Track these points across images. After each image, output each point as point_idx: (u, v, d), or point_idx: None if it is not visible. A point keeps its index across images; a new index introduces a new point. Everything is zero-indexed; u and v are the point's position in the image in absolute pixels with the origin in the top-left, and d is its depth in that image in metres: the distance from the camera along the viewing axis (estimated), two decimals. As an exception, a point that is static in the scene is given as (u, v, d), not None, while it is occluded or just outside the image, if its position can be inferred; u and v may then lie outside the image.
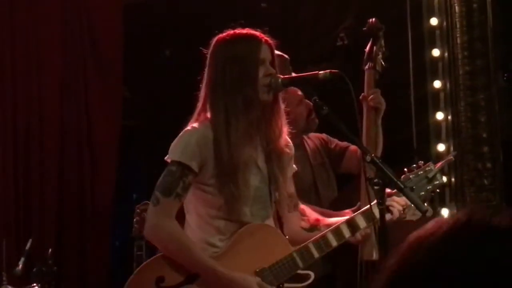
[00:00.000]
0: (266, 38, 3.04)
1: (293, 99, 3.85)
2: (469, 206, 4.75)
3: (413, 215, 3.13)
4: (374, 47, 3.84)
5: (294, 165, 3.21)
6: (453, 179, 4.97)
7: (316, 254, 3.05)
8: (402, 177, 3.13)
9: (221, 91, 2.99)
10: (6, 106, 5.21)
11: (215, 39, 3.08)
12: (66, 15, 5.48)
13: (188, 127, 3.02)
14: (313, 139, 4.18)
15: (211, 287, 2.97)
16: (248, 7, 5.42)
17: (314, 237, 3.07)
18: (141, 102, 5.88)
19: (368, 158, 2.74)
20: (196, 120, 3.04)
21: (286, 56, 3.75)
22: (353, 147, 3.97)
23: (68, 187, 5.40)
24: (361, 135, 3.54)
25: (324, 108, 2.89)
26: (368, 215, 3.04)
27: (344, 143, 4.08)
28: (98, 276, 5.43)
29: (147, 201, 3.32)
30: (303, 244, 3.05)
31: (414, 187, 3.07)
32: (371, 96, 3.70)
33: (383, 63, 3.86)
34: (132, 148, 5.86)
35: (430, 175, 3.17)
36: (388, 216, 2.90)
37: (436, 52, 5.09)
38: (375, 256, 3.62)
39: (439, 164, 3.27)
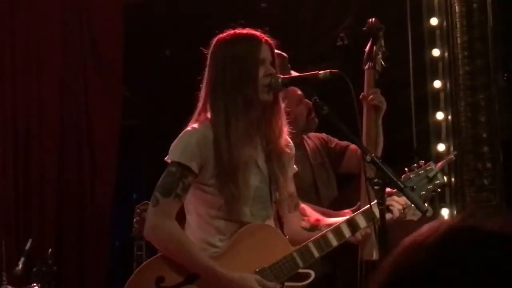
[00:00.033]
0: (266, 38, 3.04)
1: (293, 99, 3.85)
2: (469, 206, 4.76)
3: (413, 215, 3.13)
4: (374, 47, 3.84)
5: (294, 165, 3.21)
6: (453, 179, 4.97)
7: (316, 254, 3.04)
8: (403, 176, 3.13)
9: (221, 91, 2.99)
10: (6, 106, 5.20)
11: (215, 39, 3.08)
12: (66, 15, 5.47)
13: (188, 128, 3.02)
14: (313, 138, 4.18)
15: (210, 287, 2.97)
16: (248, 7, 5.42)
17: (314, 237, 3.07)
18: (141, 102, 5.87)
19: (368, 158, 2.74)
20: (196, 120, 3.04)
21: (284, 54, 3.75)
22: (353, 146, 3.97)
23: (68, 187, 5.40)
24: (361, 135, 3.54)
25: (324, 108, 2.89)
26: (368, 214, 3.03)
27: (344, 143, 4.08)
28: (98, 276, 5.42)
29: (147, 201, 3.32)
30: (303, 244, 3.04)
31: (414, 187, 3.07)
32: (372, 95, 3.70)
33: (383, 63, 3.86)
34: (132, 148, 5.84)
35: (431, 175, 3.17)
36: (388, 216, 2.90)
37: (436, 52, 5.09)
38: (375, 256, 3.62)
39: (440, 164, 3.27)
